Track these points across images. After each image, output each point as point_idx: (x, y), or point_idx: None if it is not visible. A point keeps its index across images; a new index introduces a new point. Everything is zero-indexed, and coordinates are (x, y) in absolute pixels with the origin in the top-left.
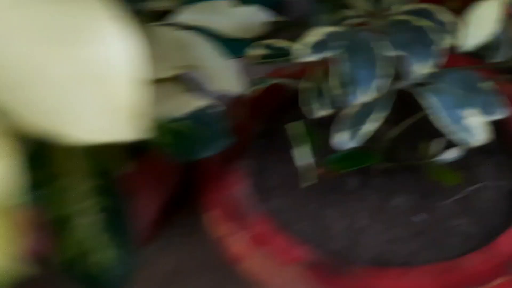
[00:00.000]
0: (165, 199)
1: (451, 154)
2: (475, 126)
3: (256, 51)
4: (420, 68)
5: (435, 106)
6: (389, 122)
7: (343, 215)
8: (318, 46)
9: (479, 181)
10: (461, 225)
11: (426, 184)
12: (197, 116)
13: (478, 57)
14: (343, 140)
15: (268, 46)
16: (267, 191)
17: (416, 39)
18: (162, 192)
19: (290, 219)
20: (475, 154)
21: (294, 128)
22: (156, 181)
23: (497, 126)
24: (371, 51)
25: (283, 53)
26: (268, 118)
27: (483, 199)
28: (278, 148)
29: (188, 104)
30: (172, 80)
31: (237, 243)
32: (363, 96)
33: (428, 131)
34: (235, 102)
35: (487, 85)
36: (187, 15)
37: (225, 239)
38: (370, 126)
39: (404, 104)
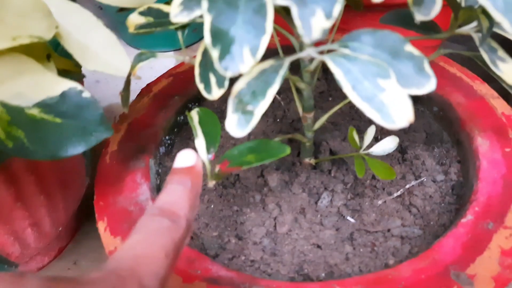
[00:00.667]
0: (73, 208)
1: (386, 145)
2: (395, 103)
3: (136, 19)
4: (320, 22)
5: (347, 76)
6: (316, 108)
7: (263, 219)
8: (189, 2)
9: (420, 176)
10: (399, 226)
11: (360, 180)
12: (63, 102)
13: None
14: (233, 126)
15: (149, 12)
16: None
17: None
18: (69, 200)
19: (198, 229)
20: (415, 145)
21: (194, 116)
22: (60, 186)
23: (440, 112)
24: None
25: (165, 21)
26: (177, 111)
27: (424, 196)
28: (186, 146)
29: (50, 85)
30: (28, 53)
31: None
32: (247, 61)
33: (363, 117)
34: (138, 94)
35: (415, 49)
36: None
37: None
38: (262, 105)
39: (333, 86)
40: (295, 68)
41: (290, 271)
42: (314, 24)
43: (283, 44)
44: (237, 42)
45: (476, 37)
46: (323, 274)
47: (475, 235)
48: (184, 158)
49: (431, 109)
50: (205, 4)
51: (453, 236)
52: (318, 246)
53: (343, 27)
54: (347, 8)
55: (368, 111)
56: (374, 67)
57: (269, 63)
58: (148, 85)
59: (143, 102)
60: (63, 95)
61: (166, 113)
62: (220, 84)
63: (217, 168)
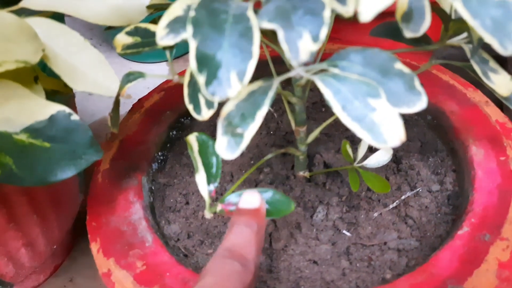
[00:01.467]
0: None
1: (380, 157)
2: (386, 122)
3: (123, 39)
4: (307, 45)
5: (337, 96)
6: (309, 119)
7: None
8: (176, 24)
9: (415, 186)
10: (395, 239)
11: (355, 192)
12: (51, 126)
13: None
14: (222, 148)
15: (136, 32)
16: (163, 213)
17: (301, 4)
18: (62, 218)
19: (193, 246)
20: (409, 154)
21: (193, 145)
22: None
23: (434, 120)
24: (245, 21)
25: (153, 40)
26: (169, 126)
27: (420, 207)
28: (179, 161)
29: (38, 109)
30: (14, 77)
31: (121, 282)
32: (234, 86)
33: None
34: (130, 110)
35: (405, 67)
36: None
37: (108, 278)
38: (252, 128)
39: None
40: (287, 82)
41: None
42: (301, 47)
43: (273, 55)
44: (224, 66)
45: (467, 48)
46: None
47: (471, 247)
48: (249, 200)
49: (425, 117)
50: (190, 30)
51: (449, 249)
52: (315, 262)
53: (334, 36)
54: (338, 17)
55: (359, 132)
56: (364, 86)
57: (258, 84)
58: (139, 100)
59: (135, 118)
60: (52, 118)
61: (158, 128)
62: (209, 105)
63: (219, 207)
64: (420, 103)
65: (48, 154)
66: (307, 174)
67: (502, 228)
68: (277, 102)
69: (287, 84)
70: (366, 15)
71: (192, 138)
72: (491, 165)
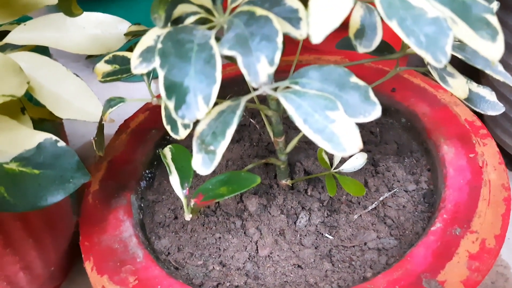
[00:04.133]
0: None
1: (355, 161)
2: (345, 132)
3: (103, 67)
4: (265, 68)
5: (298, 111)
6: (290, 128)
7: (245, 244)
8: (147, 54)
9: (393, 187)
10: (375, 239)
11: (335, 197)
12: (39, 154)
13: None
14: (198, 165)
15: (114, 60)
16: (153, 229)
17: (258, 31)
18: (58, 240)
19: (183, 259)
20: (386, 157)
21: (167, 154)
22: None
23: (408, 123)
24: (208, 50)
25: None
26: (155, 144)
27: (397, 207)
28: (167, 178)
29: (26, 139)
30: (2, 110)
31: None
32: (202, 108)
33: None
34: (116, 131)
35: (360, 81)
36: (22, 34)
37: None
38: (223, 145)
39: None
40: (263, 96)
41: None
42: (260, 70)
43: None
44: (191, 92)
45: None
46: None
47: (444, 242)
48: None
49: (399, 120)
50: (157, 61)
51: (423, 245)
52: (299, 266)
53: (311, 47)
54: None
55: (320, 142)
56: (323, 100)
57: (226, 104)
58: (125, 121)
59: (122, 138)
60: (39, 146)
61: (145, 147)
62: (185, 125)
63: (192, 202)
64: (374, 112)
65: (37, 180)
66: (289, 182)
67: (471, 222)
68: (258, 114)
69: (264, 98)
70: (317, 37)
71: (166, 149)
72: (461, 162)
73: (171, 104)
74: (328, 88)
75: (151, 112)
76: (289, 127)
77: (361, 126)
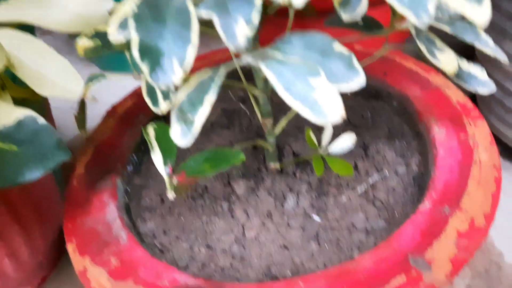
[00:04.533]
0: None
1: (344, 142)
2: (327, 100)
3: (85, 43)
4: (243, 29)
5: (279, 78)
6: (281, 113)
7: (232, 226)
8: (124, 21)
9: (381, 170)
10: (363, 220)
11: (325, 180)
12: (19, 130)
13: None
14: (177, 136)
15: (97, 35)
16: (139, 212)
17: None
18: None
19: (169, 242)
20: (377, 140)
21: (149, 132)
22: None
23: (399, 106)
24: (185, 12)
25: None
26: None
27: (387, 189)
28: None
29: (5, 115)
30: None
31: (96, 279)
32: (177, 72)
33: None
34: (104, 116)
35: (344, 48)
36: (4, 11)
37: (84, 276)
38: (201, 113)
39: None
40: (251, 77)
41: (258, 274)
42: (238, 32)
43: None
44: (166, 55)
45: (413, 30)
46: (289, 273)
47: (432, 221)
48: None
49: (391, 104)
50: (132, 24)
51: (412, 224)
52: (285, 247)
53: (301, 27)
54: (303, 14)
55: (302, 110)
56: (305, 67)
57: (206, 73)
58: (113, 106)
59: (109, 123)
60: (19, 123)
61: (132, 132)
62: (166, 97)
63: (175, 180)
64: (358, 80)
65: (16, 156)
66: (277, 165)
67: (461, 201)
68: (249, 99)
69: (251, 75)
70: (298, 1)
71: (149, 127)
72: (452, 143)
73: (145, 67)
74: (311, 55)
75: (140, 97)
76: (279, 111)
77: (352, 110)
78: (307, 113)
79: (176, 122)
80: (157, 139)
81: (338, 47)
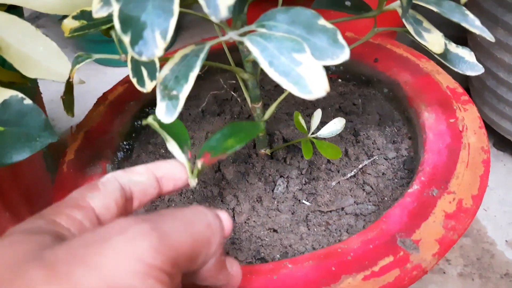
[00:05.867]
0: None
1: (333, 126)
2: (311, 75)
3: (70, 23)
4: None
5: (264, 53)
6: (272, 100)
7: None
8: None
9: (372, 155)
10: (352, 204)
11: (315, 165)
12: (4, 111)
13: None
14: (162, 113)
15: (82, 16)
16: None
17: None
18: None
19: None
20: (367, 127)
21: (153, 123)
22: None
23: (390, 92)
24: None
25: (97, 22)
26: (133, 116)
27: (377, 174)
28: (145, 150)
29: None
30: None
31: None
32: (160, 44)
33: (317, 105)
34: (94, 103)
35: (329, 23)
36: None
37: None
38: (186, 89)
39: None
40: (240, 61)
41: (248, 257)
42: (220, 1)
43: (229, 44)
44: (149, 27)
45: (400, 10)
46: (278, 255)
47: (420, 203)
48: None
49: (382, 91)
50: None
51: (400, 206)
52: (274, 230)
53: None
54: None
55: (286, 85)
56: (289, 42)
57: (190, 48)
58: (104, 93)
59: (99, 110)
60: (4, 103)
61: (122, 119)
62: (152, 76)
63: (199, 163)
64: (343, 55)
65: (2, 137)
66: (268, 151)
67: (449, 183)
68: (240, 88)
69: (241, 64)
70: None
71: (150, 119)
72: (441, 127)
73: (126, 39)
74: (295, 30)
75: (130, 84)
76: (270, 99)
77: (343, 97)
78: (292, 89)
79: (161, 100)
80: (162, 127)
81: (322, 21)
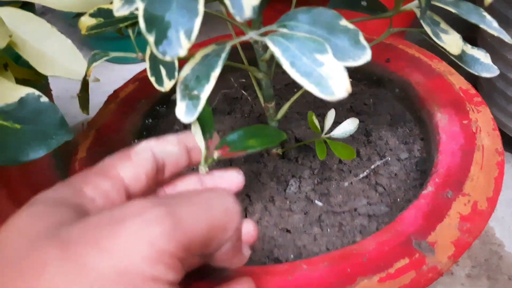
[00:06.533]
0: None
1: (346, 127)
2: (333, 76)
3: (87, 21)
4: (250, 0)
5: (285, 53)
6: (282, 100)
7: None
8: None
9: (385, 156)
10: (365, 205)
11: (327, 165)
12: (21, 108)
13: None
14: (182, 113)
15: (99, 13)
16: None
17: None
18: None
19: None
20: (379, 127)
21: None
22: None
23: (402, 93)
24: None
25: (115, 20)
26: (144, 114)
27: (389, 175)
28: None
29: (7, 93)
30: None
31: None
32: (184, 44)
33: (328, 105)
34: (105, 101)
35: (350, 24)
36: None
37: None
38: (207, 89)
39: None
40: (254, 60)
41: (262, 257)
42: (245, 1)
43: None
44: (173, 26)
45: (418, 12)
46: (292, 256)
47: (435, 205)
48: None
49: (393, 91)
50: None
51: (414, 208)
52: (287, 231)
53: None
54: None
55: (308, 86)
56: (311, 43)
57: (211, 47)
58: (115, 91)
59: (110, 108)
60: (21, 101)
61: (133, 117)
62: (170, 75)
63: (216, 154)
64: (365, 56)
65: (18, 135)
66: (279, 150)
67: (464, 185)
68: (250, 87)
69: (255, 63)
70: None
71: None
72: (454, 128)
73: (151, 38)
74: (317, 31)
75: (141, 82)
76: (281, 98)
77: (354, 97)
78: (313, 89)
79: (182, 99)
80: None
81: (344, 22)
